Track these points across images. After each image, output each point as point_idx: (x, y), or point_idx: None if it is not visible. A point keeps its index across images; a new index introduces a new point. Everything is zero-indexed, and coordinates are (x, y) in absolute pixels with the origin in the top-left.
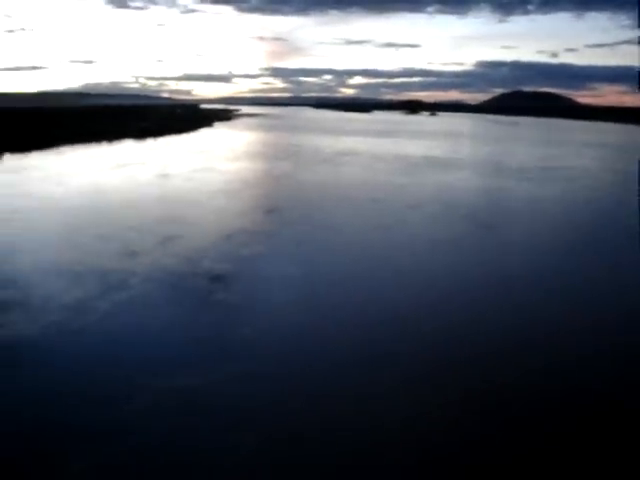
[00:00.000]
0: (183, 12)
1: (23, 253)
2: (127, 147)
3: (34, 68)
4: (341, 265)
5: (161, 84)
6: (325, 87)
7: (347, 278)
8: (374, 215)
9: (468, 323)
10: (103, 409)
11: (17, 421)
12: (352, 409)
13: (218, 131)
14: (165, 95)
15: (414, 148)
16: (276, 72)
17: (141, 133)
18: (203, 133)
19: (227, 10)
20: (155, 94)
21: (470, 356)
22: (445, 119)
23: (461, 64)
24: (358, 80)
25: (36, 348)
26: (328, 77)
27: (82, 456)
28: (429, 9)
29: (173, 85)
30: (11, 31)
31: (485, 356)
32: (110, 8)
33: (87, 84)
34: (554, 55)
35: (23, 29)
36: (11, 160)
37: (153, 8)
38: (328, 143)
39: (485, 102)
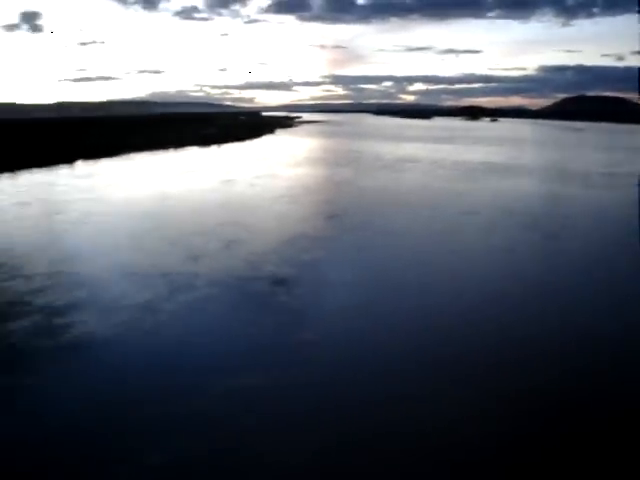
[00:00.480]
0: (246, 22)
1: (94, 256)
2: (192, 154)
3: (104, 78)
4: (400, 271)
5: (224, 92)
6: (385, 94)
7: (405, 284)
8: (434, 222)
9: (522, 329)
10: (167, 407)
11: (91, 417)
12: (402, 413)
13: (280, 138)
14: (228, 103)
15: (475, 154)
16: (337, 79)
17: (205, 140)
18: (265, 140)
19: (289, 19)
20: (218, 102)
21: (521, 361)
22: (506, 125)
23: (523, 69)
24: (418, 86)
25: (106, 346)
26: (388, 84)
27: (147, 452)
28: (490, 14)
29: (236, 93)
30: (83, 44)
31: (538, 365)
32: (177, 20)
33: (154, 93)
34: (620, 58)
35: (94, 41)
36: (83, 166)
37: (217, 19)
38: (388, 149)
39: (547, 107)
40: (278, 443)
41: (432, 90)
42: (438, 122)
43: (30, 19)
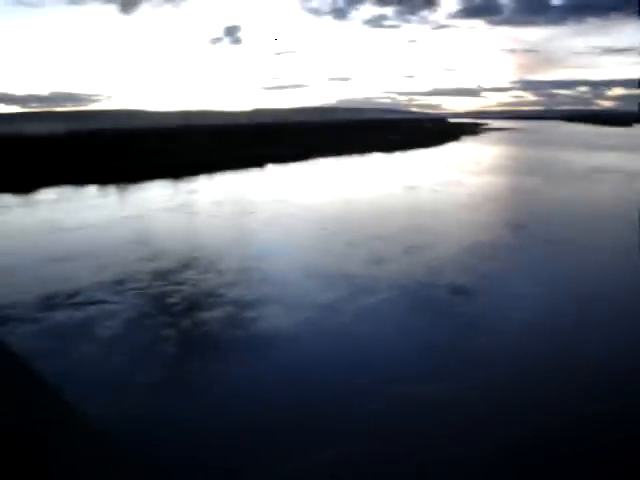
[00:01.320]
0: (434, 28)
1: (280, 255)
2: (376, 159)
3: (296, 86)
4: (585, 291)
5: (410, 99)
6: (580, 99)
7: (588, 304)
8: (631, 241)
9: None
10: (342, 408)
11: (269, 409)
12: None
13: (465, 145)
14: (414, 109)
15: None
16: (527, 85)
17: (389, 146)
18: (450, 147)
19: (478, 24)
20: (404, 108)
21: None
22: None
23: None
24: (617, 91)
25: (289, 342)
26: (583, 89)
27: (322, 449)
28: None
29: (422, 99)
30: (279, 53)
31: None
32: (366, 28)
33: (342, 100)
34: None
35: (288, 51)
36: (272, 170)
37: (406, 26)
38: (580, 159)
39: None
40: (446, 451)
41: (634, 95)
42: None
43: (231, 32)
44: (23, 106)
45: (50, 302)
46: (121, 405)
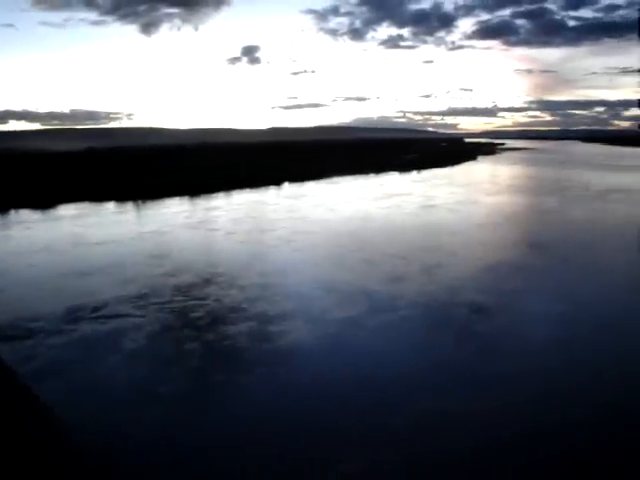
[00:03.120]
0: (451, 49)
1: (300, 271)
2: (392, 178)
3: (313, 105)
4: (605, 310)
5: (427, 118)
6: (597, 120)
7: (608, 323)
8: None
9: None
10: (358, 420)
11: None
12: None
13: (481, 165)
14: (430, 129)
15: None
16: (543, 105)
17: (405, 166)
18: (466, 166)
19: (494, 44)
20: (421, 128)
21: None
22: None
23: None
24: (635, 112)
25: (308, 356)
26: (600, 109)
27: (351, 457)
28: None
29: (438, 119)
30: (295, 73)
31: None
32: (382, 49)
33: (358, 118)
34: None
35: (305, 71)
36: (289, 188)
37: (422, 47)
38: (597, 179)
39: None
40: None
41: None
42: None
43: (250, 52)
44: (44, 123)
45: (75, 315)
46: (146, 414)
